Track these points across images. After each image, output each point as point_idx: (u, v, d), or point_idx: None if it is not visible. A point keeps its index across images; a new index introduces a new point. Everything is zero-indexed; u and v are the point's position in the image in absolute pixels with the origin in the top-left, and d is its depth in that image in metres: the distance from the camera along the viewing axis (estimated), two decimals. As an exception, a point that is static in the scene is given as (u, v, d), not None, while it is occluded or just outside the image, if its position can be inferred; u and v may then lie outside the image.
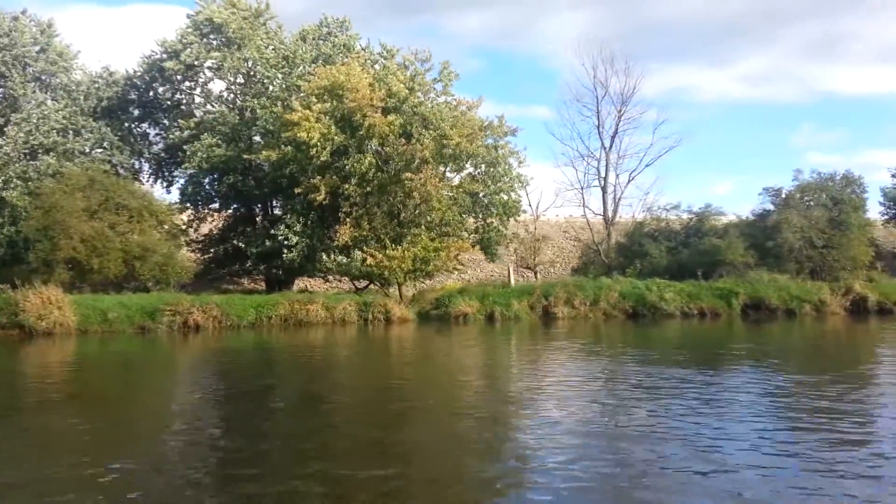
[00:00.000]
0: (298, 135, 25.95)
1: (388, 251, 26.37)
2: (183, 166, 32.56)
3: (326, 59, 32.95)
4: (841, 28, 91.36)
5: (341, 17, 36.08)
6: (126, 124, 36.03)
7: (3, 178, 31.18)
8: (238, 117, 33.08)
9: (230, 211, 34.18)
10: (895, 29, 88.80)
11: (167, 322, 20.79)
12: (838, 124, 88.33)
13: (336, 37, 35.01)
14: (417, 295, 28.60)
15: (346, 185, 27.34)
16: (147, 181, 37.76)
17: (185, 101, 36.29)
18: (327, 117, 27.10)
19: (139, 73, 34.86)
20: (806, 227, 28.09)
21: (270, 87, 32.35)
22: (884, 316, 26.22)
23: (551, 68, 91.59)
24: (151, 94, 36.39)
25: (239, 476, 6.48)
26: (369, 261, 26.07)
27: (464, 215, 29.39)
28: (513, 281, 28.97)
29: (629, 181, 35.21)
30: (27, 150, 32.29)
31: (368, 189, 27.58)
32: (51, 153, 32.60)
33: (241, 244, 30.74)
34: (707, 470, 6.60)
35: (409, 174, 25.83)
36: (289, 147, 27.67)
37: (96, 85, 34.88)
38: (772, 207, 29.84)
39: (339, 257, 26.93)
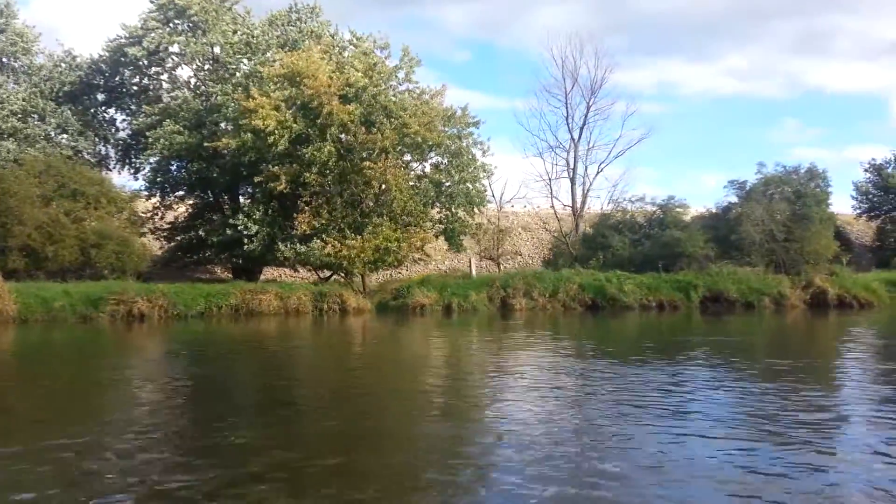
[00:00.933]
0: (254, 122, 25.56)
1: (347, 241, 26.14)
2: (144, 153, 32.16)
3: (294, 45, 32.54)
4: (825, 24, 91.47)
5: (312, 3, 35.66)
6: (91, 109, 35.61)
7: (-39, 163, 30.67)
8: (204, 104, 32.66)
9: (195, 199, 33.77)
10: (879, 26, 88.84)
11: (110, 311, 20.45)
12: (823, 120, 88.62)
13: (304, 23, 34.59)
14: (379, 285, 28.41)
15: (307, 174, 27.03)
16: (114, 168, 37.51)
17: (152, 87, 35.85)
18: (286, 105, 26.73)
19: (104, 58, 34.34)
20: (767, 221, 27.99)
21: (236, 74, 31.92)
22: (843, 310, 26.21)
23: (538, 60, 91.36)
24: (118, 79, 35.94)
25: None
26: (328, 249, 25.82)
27: (427, 206, 29.14)
28: (474, 272, 28.76)
29: (598, 173, 35.13)
30: (-15, 135, 31.80)
31: (329, 178, 27.28)
32: (10, 138, 32.12)
33: (201, 233, 30.35)
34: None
35: (368, 163, 25.53)
36: (248, 135, 27.31)
37: (59, 69, 34.35)
38: (736, 200, 29.72)
39: (299, 246, 26.66)
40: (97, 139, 36.73)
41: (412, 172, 29.56)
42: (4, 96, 31.93)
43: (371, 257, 26.18)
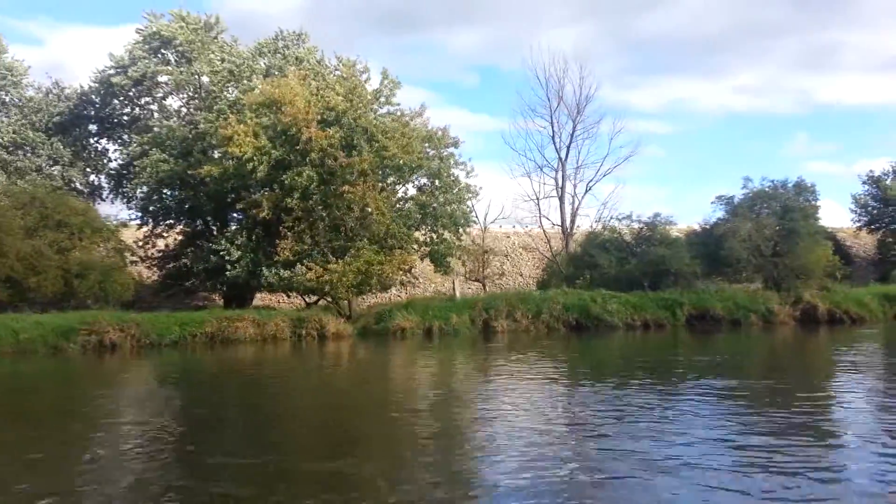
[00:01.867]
0: (230, 150, 25.57)
1: (330, 265, 25.98)
2: (132, 182, 32.27)
3: (280, 71, 32.67)
4: (830, 39, 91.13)
5: (298, 30, 35.87)
6: (82, 140, 35.88)
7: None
8: (191, 132, 32.79)
9: (184, 227, 33.76)
10: (887, 40, 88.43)
11: (81, 342, 20.33)
12: (833, 134, 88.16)
13: (288, 50, 34.76)
14: (364, 310, 28.18)
15: (289, 199, 26.96)
16: (107, 198, 37.73)
17: (143, 117, 36.10)
18: (265, 132, 26.74)
19: (93, 88, 34.64)
20: (754, 236, 27.53)
21: (219, 102, 32.04)
22: (834, 326, 25.68)
23: (523, 80, 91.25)
24: (109, 109, 36.25)
25: None
26: (309, 275, 25.66)
27: (411, 228, 28.97)
28: (458, 294, 28.47)
29: (587, 191, 34.82)
30: (-25, 168, 32.08)
31: (311, 203, 27.18)
32: (0, 171, 32.39)
33: (186, 261, 30.28)
34: None
35: (346, 187, 25.43)
36: (230, 162, 27.33)
37: (48, 100, 34.69)
38: (724, 216, 29.30)
39: (282, 272, 26.52)
40: (88, 170, 37.04)
41: (397, 195, 29.49)
42: (-7, 129, 32.25)
43: (353, 281, 25.97)
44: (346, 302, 27.95)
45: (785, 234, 28.15)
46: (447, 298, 28.00)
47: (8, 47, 34.68)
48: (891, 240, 41.41)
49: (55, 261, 26.35)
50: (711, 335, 23.34)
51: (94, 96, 35.41)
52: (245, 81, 31.46)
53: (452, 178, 29.02)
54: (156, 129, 34.20)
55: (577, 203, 34.62)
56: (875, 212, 41.41)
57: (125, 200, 36.35)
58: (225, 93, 31.99)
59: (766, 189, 29.20)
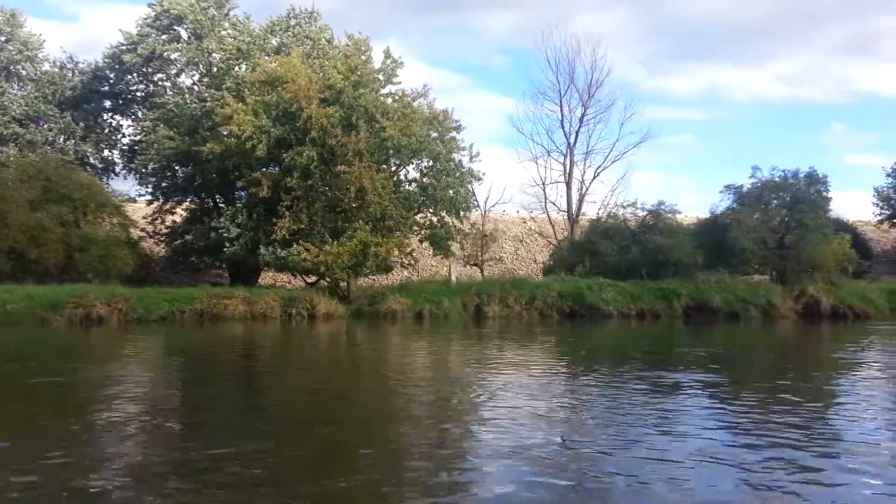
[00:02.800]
0: (230, 128, 25.60)
1: (325, 246, 25.94)
2: (139, 158, 32.57)
3: (289, 50, 32.61)
4: (874, 27, 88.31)
5: (310, 8, 35.74)
6: (95, 115, 36.25)
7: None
8: (200, 110, 32.93)
9: (189, 203, 34.00)
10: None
11: (68, 315, 20.58)
12: (873, 125, 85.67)
13: (300, 28, 34.66)
14: (359, 291, 28.13)
15: (288, 178, 26.96)
16: (120, 173, 38.18)
17: (157, 93, 36.33)
18: (266, 110, 26.71)
19: (106, 64, 34.94)
20: (759, 227, 26.82)
21: (226, 80, 32.10)
22: (837, 321, 24.99)
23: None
24: (123, 85, 36.60)
25: None
26: (304, 255, 25.66)
27: (413, 210, 28.81)
28: (454, 278, 28.27)
29: (595, 177, 34.28)
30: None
31: (310, 182, 27.13)
32: (11, 143, 32.88)
33: (189, 238, 30.53)
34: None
35: (342, 167, 25.31)
36: (232, 139, 27.37)
37: (62, 74, 35.07)
38: (734, 206, 28.56)
39: (279, 251, 26.57)
40: (102, 145, 37.46)
41: (398, 176, 29.31)
42: (6, 102, 32.66)
43: (348, 262, 25.91)
44: (344, 283, 27.95)
45: (793, 225, 27.41)
46: (443, 282, 27.81)
47: (26, 22, 35.09)
48: (914, 234, 40.22)
49: (57, 234, 26.69)
50: (705, 327, 22.84)
51: (108, 72, 35.75)
52: (254, 59, 31.42)
53: (455, 163, 28.72)
54: (166, 106, 34.44)
55: (584, 189, 34.15)
56: (898, 205, 40.19)
57: (137, 176, 36.79)
58: (233, 71, 32.01)
59: (776, 179, 28.39)
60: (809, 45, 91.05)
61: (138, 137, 35.38)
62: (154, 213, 34.25)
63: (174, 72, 35.89)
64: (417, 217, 29.38)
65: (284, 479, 6.03)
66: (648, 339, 19.95)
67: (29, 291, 21.34)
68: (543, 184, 34.53)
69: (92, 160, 36.96)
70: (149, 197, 34.36)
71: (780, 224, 27.64)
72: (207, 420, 8.58)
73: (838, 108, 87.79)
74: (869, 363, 14.90)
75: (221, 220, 28.32)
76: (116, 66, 34.01)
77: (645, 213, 28.72)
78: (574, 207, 34.28)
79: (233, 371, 13.67)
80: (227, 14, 34.06)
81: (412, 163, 28.69)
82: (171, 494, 5.58)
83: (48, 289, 21.76)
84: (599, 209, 32.24)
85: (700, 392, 10.47)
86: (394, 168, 29.12)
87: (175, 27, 33.75)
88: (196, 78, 35.46)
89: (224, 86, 31.48)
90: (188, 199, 33.57)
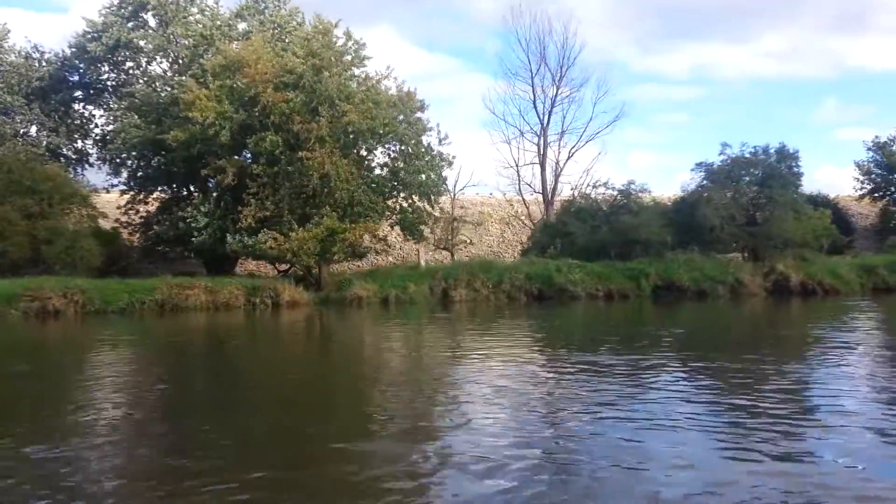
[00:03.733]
0: (192, 114, 25.28)
1: (291, 233, 25.69)
2: (107, 148, 32.26)
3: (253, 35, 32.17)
4: (865, 0, 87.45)
5: (277, -11, 35.19)
6: (65, 106, 35.79)
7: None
8: (170, 97, 32.54)
9: (160, 193, 33.68)
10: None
11: (23, 308, 20.39)
12: (865, 98, 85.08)
13: (268, 12, 34.19)
14: (331, 278, 27.91)
15: (254, 165, 26.69)
16: (94, 164, 37.78)
17: (128, 82, 35.87)
18: (229, 95, 26.38)
19: (72, 53, 34.47)
20: (728, 205, 26.56)
21: (193, 67, 31.70)
22: (808, 298, 24.80)
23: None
24: (93, 75, 36.11)
25: None
26: (269, 243, 25.43)
27: (385, 196, 28.55)
28: (423, 262, 28.05)
29: (569, 157, 33.96)
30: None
31: (277, 169, 26.84)
32: (-24, 136, 32.51)
33: (156, 227, 30.28)
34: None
35: (303, 152, 25.02)
36: (196, 126, 27.04)
37: (28, 64, 34.57)
38: (705, 183, 28.28)
39: (246, 239, 26.33)
40: (75, 135, 37.07)
41: (368, 162, 29.02)
42: (-31, 95, 32.27)
43: (314, 249, 25.67)
44: (316, 270, 27.73)
45: (763, 202, 27.15)
46: (411, 267, 27.60)
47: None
48: (895, 208, 39.96)
49: (22, 226, 26.48)
50: (668, 307, 22.66)
51: (77, 61, 35.28)
52: (216, 45, 30.98)
53: (424, 147, 28.40)
54: (134, 95, 34.05)
55: (559, 170, 33.83)
56: (879, 179, 39.87)
57: (111, 167, 36.44)
58: (200, 57, 31.58)
59: (746, 155, 28.06)
60: (796, 21, 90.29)
61: (111, 127, 35.01)
62: (128, 203, 33.97)
63: (145, 60, 35.45)
64: (389, 202, 29.12)
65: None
66: (609, 322, 19.78)
67: (-15, 285, 21.12)
68: (517, 165, 34.24)
69: (66, 151, 36.60)
70: (123, 187, 34.10)
71: (750, 201, 27.36)
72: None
73: (829, 83, 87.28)
74: (810, 338, 14.72)
75: (189, 209, 28.06)
76: (83, 56, 33.52)
77: (616, 193, 28.44)
78: (549, 188, 33.97)
79: (149, 364, 13.47)
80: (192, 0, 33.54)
81: (379, 147, 28.37)
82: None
83: (7, 282, 21.53)
84: (572, 190, 31.95)
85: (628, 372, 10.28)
86: (364, 153, 28.81)
87: (141, 14, 33.29)
88: (166, 66, 35.05)
89: (189, 72, 31.13)
90: (159, 189, 33.28)
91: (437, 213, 29.75)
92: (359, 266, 30.98)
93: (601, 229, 27.16)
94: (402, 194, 29.28)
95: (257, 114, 25.94)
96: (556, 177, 33.90)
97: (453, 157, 29.37)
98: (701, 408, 8.03)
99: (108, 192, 34.68)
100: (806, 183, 29.82)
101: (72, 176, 34.57)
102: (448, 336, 16.41)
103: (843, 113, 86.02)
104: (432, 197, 29.17)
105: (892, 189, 39.95)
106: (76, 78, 36.06)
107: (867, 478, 5.56)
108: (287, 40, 31.24)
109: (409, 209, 29.13)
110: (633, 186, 28.09)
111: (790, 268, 25.39)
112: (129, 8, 32.30)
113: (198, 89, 25.90)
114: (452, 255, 30.15)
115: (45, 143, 34.95)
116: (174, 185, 33.14)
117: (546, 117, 34.06)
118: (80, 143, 37.42)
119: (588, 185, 30.18)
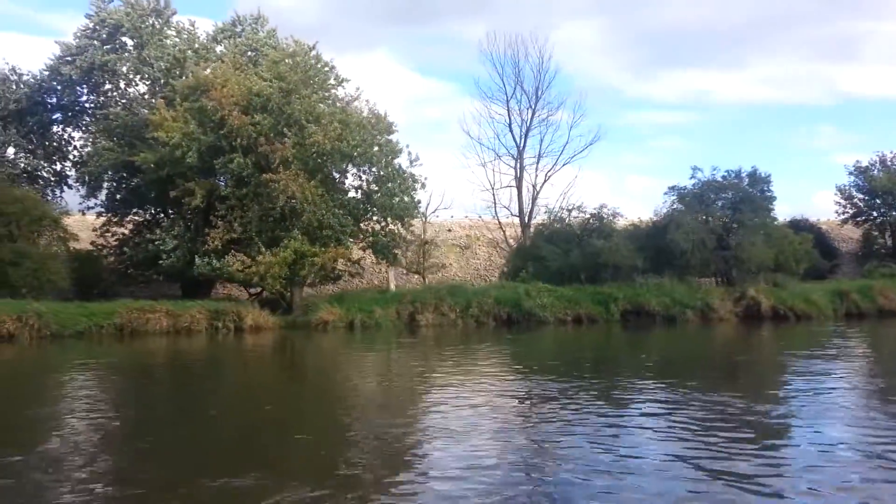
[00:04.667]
0: (158, 135, 25.16)
1: (259, 256, 25.44)
2: (80, 170, 32.09)
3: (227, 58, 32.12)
4: (855, 30, 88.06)
5: (256, 13, 35.25)
6: (40, 128, 35.64)
7: None
8: (143, 119, 32.42)
9: (133, 215, 33.42)
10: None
11: (-25, 332, 20.08)
12: (859, 126, 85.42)
13: (245, 34, 34.16)
14: (302, 302, 27.60)
15: (223, 187, 26.52)
16: (73, 186, 37.55)
17: (106, 104, 35.77)
18: (197, 116, 26.25)
19: (48, 76, 34.37)
20: (698, 229, 26.29)
21: (164, 89, 31.61)
22: (779, 324, 24.49)
23: (566, 74, 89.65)
24: (71, 97, 36.00)
25: None
26: (237, 265, 25.17)
27: (352, 218, 28.30)
28: (393, 286, 27.76)
29: (545, 181, 33.78)
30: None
31: (245, 191, 26.65)
32: (-48, 159, 32.33)
33: (126, 250, 30.04)
34: None
35: (268, 175, 24.85)
36: (166, 149, 26.88)
37: (4, 86, 34.45)
38: (677, 206, 28.05)
39: (214, 262, 26.05)
40: (54, 157, 36.90)
41: (340, 184, 28.83)
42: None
43: (282, 272, 25.40)
44: (288, 294, 27.43)
45: (735, 226, 26.91)
46: (381, 291, 27.31)
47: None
48: (876, 233, 39.76)
49: (-14, 249, 26.17)
50: (636, 333, 22.35)
51: (54, 83, 35.19)
52: (189, 68, 30.91)
53: (395, 169, 28.20)
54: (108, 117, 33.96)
55: (535, 193, 33.64)
56: (861, 204, 39.68)
57: (88, 189, 36.25)
58: (172, 79, 31.51)
59: (719, 179, 27.89)
60: (791, 49, 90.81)
61: (88, 149, 34.86)
62: (103, 225, 33.72)
63: (123, 82, 35.38)
64: (362, 225, 28.88)
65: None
66: (581, 347, 19.47)
67: (-62, 310, 20.79)
68: (493, 188, 34.08)
69: (44, 173, 36.41)
70: (101, 209, 33.89)
71: (722, 225, 27.13)
72: None
73: (826, 110, 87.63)
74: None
75: (158, 231, 27.85)
76: (58, 78, 33.44)
77: (588, 216, 28.21)
78: (526, 211, 33.76)
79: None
80: (167, 21, 33.52)
81: (349, 169, 28.21)
82: None
83: (-40, 307, 21.20)
84: (546, 213, 31.71)
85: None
86: (336, 175, 28.63)
87: (117, 37, 33.24)
88: (144, 88, 34.97)
89: (160, 95, 31.05)
90: (132, 212, 33.06)
91: (409, 237, 29.47)
92: (333, 290, 30.66)
93: (573, 253, 26.89)
94: (375, 217, 29.08)
95: (224, 136, 25.78)
96: (533, 200, 33.70)
97: (425, 179, 29.20)
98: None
99: (83, 214, 34.44)
100: (802, 208, 29.75)
101: (49, 198, 34.43)
102: (405, 365, 16.00)
103: (840, 139, 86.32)
104: (405, 219, 28.96)
105: (874, 214, 39.73)
106: (54, 100, 35.98)
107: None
108: (259, 63, 31.15)
109: (382, 232, 28.90)
110: (605, 210, 27.91)
111: (761, 293, 25.13)
112: (106, 30, 32.22)
113: (166, 111, 25.75)
114: (424, 278, 29.84)
115: (22, 164, 34.79)
116: (147, 208, 32.94)
117: (522, 140, 33.96)
118: (58, 166, 37.28)
119: (561, 208, 29.97)
